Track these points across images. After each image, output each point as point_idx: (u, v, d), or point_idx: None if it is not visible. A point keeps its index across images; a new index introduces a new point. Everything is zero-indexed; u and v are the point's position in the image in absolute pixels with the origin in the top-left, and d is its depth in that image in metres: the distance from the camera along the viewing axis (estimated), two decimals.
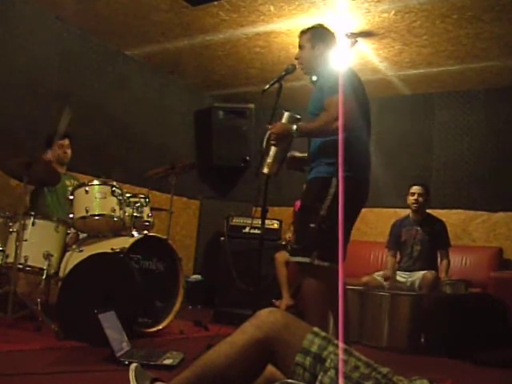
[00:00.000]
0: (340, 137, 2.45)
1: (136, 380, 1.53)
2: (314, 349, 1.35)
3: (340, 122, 2.45)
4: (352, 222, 2.69)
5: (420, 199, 4.38)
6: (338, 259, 2.57)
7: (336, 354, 1.33)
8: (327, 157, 2.59)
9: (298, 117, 2.71)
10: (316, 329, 1.41)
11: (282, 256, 4.75)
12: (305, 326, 1.43)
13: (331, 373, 1.30)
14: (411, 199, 4.40)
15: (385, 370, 1.34)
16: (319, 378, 1.31)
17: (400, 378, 1.34)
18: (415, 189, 4.42)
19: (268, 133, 2.66)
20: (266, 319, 1.41)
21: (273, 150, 2.70)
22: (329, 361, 1.32)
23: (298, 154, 2.87)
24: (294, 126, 2.60)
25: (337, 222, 2.41)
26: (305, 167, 2.88)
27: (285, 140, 2.68)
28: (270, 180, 2.79)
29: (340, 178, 2.49)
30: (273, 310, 1.46)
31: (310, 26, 2.86)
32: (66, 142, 4.02)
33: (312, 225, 2.52)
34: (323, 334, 1.40)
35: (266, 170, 2.71)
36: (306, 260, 2.52)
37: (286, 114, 2.71)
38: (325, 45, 2.77)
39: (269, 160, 2.70)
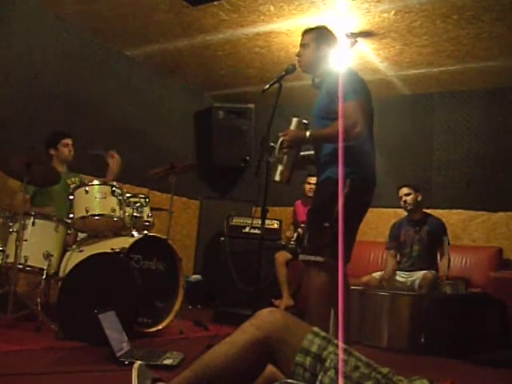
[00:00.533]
0: (340, 139, 2.47)
1: (138, 379, 1.53)
2: (314, 349, 1.35)
3: (340, 128, 2.47)
4: (360, 223, 2.72)
5: (408, 198, 4.40)
6: (347, 258, 2.62)
7: (336, 354, 1.33)
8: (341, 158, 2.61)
9: (306, 122, 2.71)
10: (316, 329, 1.41)
11: (282, 256, 4.75)
12: (305, 326, 1.43)
13: (331, 373, 1.30)
14: (401, 202, 4.45)
15: (385, 370, 1.34)
16: (319, 377, 1.31)
17: (400, 377, 1.34)
18: (401, 191, 4.47)
19: (280, 140, 2.65)
20: (266, 319, 1.41)
21: (284, 157, 2.70)
22: (329, 361, 1.32)
23: (304, 153, 2.87)
24: (308, 133, 2.61)
25: (347, 222, 2.46)
26: (309, 165, 2.90)
27: (297, 146, 2.70)
28: (269, 180, 2.78)
29: (340, 180, 2.51)
30: (273, 310, 1.46)
31: (314, 26, 2.87)
32: (70, 141, 4.02)
33: (326, 224, 2.54)
34: (323, 333, 1.40)
35: (278, 178, 2.71)
36: (320, 259, 2.54)
37: (295, 120, 2.71)
38: (329, 47, 2.79)
39: (281, 168, 2.70)
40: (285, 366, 1.38)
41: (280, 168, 2.70)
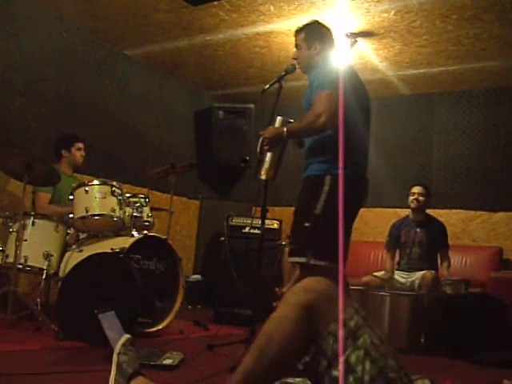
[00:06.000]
0: (341, 133, 2.43)
1: (117, 368, 1.54)
2: (352, 324, 1.33)
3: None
4: (350, 221, 2.65)
5: (420, 198, 4.37)
6: (336, 258, 2.56)
7: (370, 337, 1.32)
8: (320, 154, 2.58)
9: (291, 120, 2.71)
10: (357, 306, 1.40)
11: None
12: (348, 301, 1.41)
13: (360, 352, 1.29)
14: (411, 199, 4.40)
15: (405, 370, 1.33)
16: (347, 353, 1.30)
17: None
18: (416, 189, 4.42)
19: (261, 138, 2.66)
20: (310, 287, 1.40)
21: (268, 155, 2.71)
22: (361, 340, 1.31)
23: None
24: (284, 129, 2.60)
25: (333, 221, 2.34)
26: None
27: (277, 144, 2.68)
28: (269, 180, 2.78)
29: (340, 177, 2.47)
30: (320, 280, 1.44)
31: (304, 23, 2.81)
32: (83, 145, 4.03)
33: (306, 224, 2.51)
34: (363, 313, 1.39)
35: (263, 176, 2.73)
36: (302, 260, 2.51)
37: (279, 119, 2.72)
38: (321, 43, 2.73)
39: (265, 166, 2.72)
40: (319, 331, 1.36)
41: (265, 166, 2.72)
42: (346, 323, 1.34)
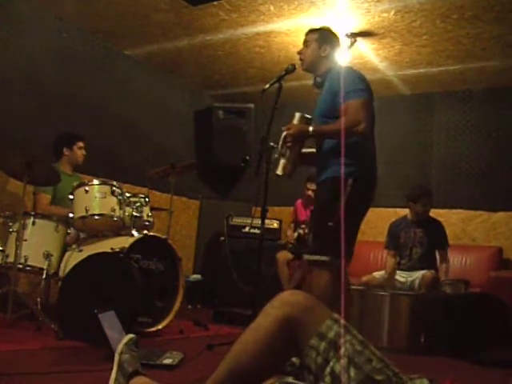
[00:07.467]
0: (343, 136, 2.49)
1: (118, 366, 1.54)
2: (331, 335, 1.33)
3: (342, 125, 2.48)
4: (361, 221, 2.74)
5: (428, 207, 4.36)
6: (351, 255, 2.67)
7: (352, 344, 1.32)
8: (342, 157, 2.61)
9: (309, 117, 2.72)
10: (336, 315, 1.40)
11: (283, 256, 4.75)
12: (325, 311, 1.41)
13: (344, 361, 1.29)
14: (423, 210, 4.32)
15: (396, 369, 1.34)
16: (331, 364, 1.30)
17: (409, 378, 1.34)
18: (426, 199, 4.33)
19: (284, 134, 2.67)
20: (286, 300, 1.41)
21: (288, 151, 2.71)
22: (343, 349, 1.31)
23: (306, 150, 2.88)
24: (311, 128, 2.62)
25: (350, 221, 2.49)
26: (310, 165, 2.91)
27: (300, 141, 2.71)
28: (269, 180, 2.78)
29: (342, 180, 2.53)
30: (295, 292, 1.44)
31: (318, 26, 2.91)
32: (83, 144, 4.02)
33: (330, 223, 2.55)
34: (343, 322, 1.39)
35: (280, 172, 2.72)
36: (326, 259, 2.56)
37: (298, 115, 2.72)
38: (331, 48, 2.83)
39: (284, 162, 2.71)
40: (300, 346, 1.37)
41: (283, 162, 2.71)
42: (326, 335, 1.34)
